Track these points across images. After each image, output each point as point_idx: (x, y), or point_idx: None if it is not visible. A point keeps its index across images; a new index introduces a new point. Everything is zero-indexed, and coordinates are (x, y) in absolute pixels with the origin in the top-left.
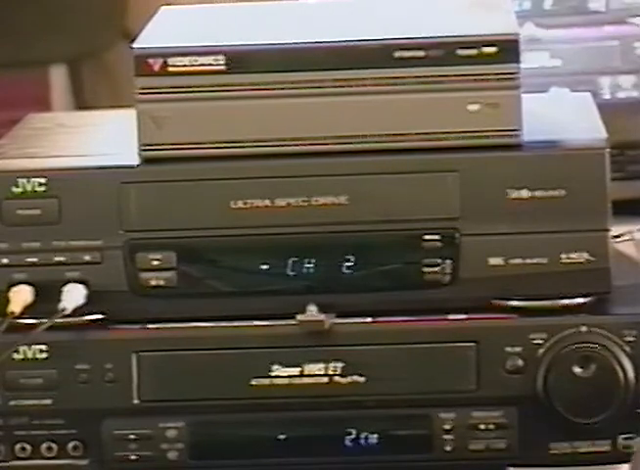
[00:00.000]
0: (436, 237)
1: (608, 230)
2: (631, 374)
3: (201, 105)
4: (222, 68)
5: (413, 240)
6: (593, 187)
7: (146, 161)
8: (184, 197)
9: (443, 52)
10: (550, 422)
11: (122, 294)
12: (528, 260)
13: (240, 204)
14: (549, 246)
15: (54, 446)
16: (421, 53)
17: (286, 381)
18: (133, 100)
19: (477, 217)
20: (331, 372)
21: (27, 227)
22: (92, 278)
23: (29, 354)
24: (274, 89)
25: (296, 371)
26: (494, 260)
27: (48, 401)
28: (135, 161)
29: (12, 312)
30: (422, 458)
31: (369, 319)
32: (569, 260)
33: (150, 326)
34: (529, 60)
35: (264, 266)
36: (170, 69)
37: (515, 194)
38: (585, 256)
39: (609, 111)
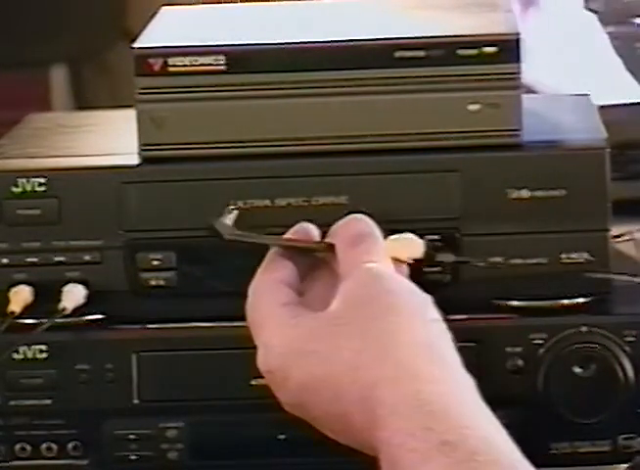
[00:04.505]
0: (437, 237)
1: (608, 230)
2: (631, 374)
3: (201, 105)
4: (222, 68)
5: None
6: (593, 187)
7: (146, 161)
8: (184, 197)
9: (444, 52)
10: (550, 422)
11: (122, 294)
12: (528, 260)
13: (240, 204)
14: (549, 246)
15: (54, 446)
16: (421, 53)
17: None
18: (133, 100)
19: (477, 217)
20: None
21: (27, 227)
22: (92, 278)
23: (29, 354)
24: (274, 89)
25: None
26: (494, 260)
27: (48, 401)
28: (135, 161)
29: (12, 312)
30: None
31: None
32: (569, 260)
33: (150, 326)
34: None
35: None
36: (170, 69)
37: (515, 194)
38: (585, 256)
39: (609, 111)
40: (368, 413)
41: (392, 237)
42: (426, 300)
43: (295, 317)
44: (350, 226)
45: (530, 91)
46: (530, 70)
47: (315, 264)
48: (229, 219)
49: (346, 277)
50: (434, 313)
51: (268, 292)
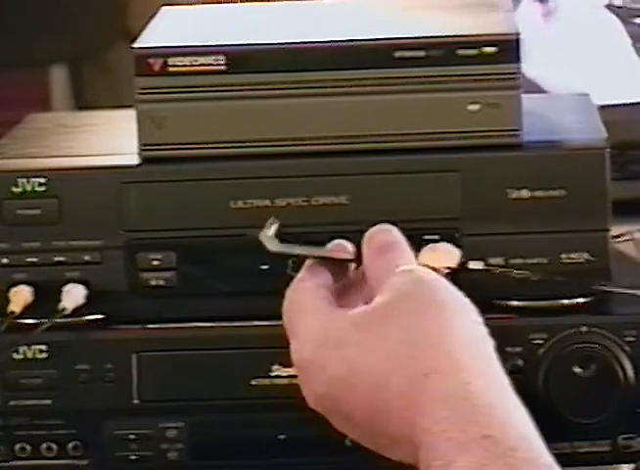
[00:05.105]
0: (437, 237)
1: (608, 230)
2: (631, 374)
3: (201, 105)
4: (222, 68)
5: (413, 240)
6: (593, 187)
7: (146, 161)
8: (184, 197)
9: (444, 52)
10: (550, 422)
11: (122, 294)
12: (528, 260)
13: (240, 204)
14: (549, 246)
15: (54, 446)
16: (421, 53)
17: (286, 381)
18: (133, 100)
19: (477, 217)
20: None
21: (27, 227)
22: (92, 278)
23: (29, 354)
24: (274, 89)
25: (296, 371)
26: (494, 260)
27: (48, 401)
28: (135, 161)
29: (12, 312)
30: None
31: None
32: (569, 260)
33: (150, 326)
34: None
35: (264, 266)
36: (170, 69)
37: (515, 194)
38: (585, 256)
39: (609, 111)
40: (410, 401)
41: (428, 247)
42: (469, 303)
43: (332, 312)
44: (376, 237)
45: (541, 90)
46: (545, 68)
47: (350, 278)
48: (271, 231)
49: (381, 283)
50: (478, 317)
51: (307, 292)
